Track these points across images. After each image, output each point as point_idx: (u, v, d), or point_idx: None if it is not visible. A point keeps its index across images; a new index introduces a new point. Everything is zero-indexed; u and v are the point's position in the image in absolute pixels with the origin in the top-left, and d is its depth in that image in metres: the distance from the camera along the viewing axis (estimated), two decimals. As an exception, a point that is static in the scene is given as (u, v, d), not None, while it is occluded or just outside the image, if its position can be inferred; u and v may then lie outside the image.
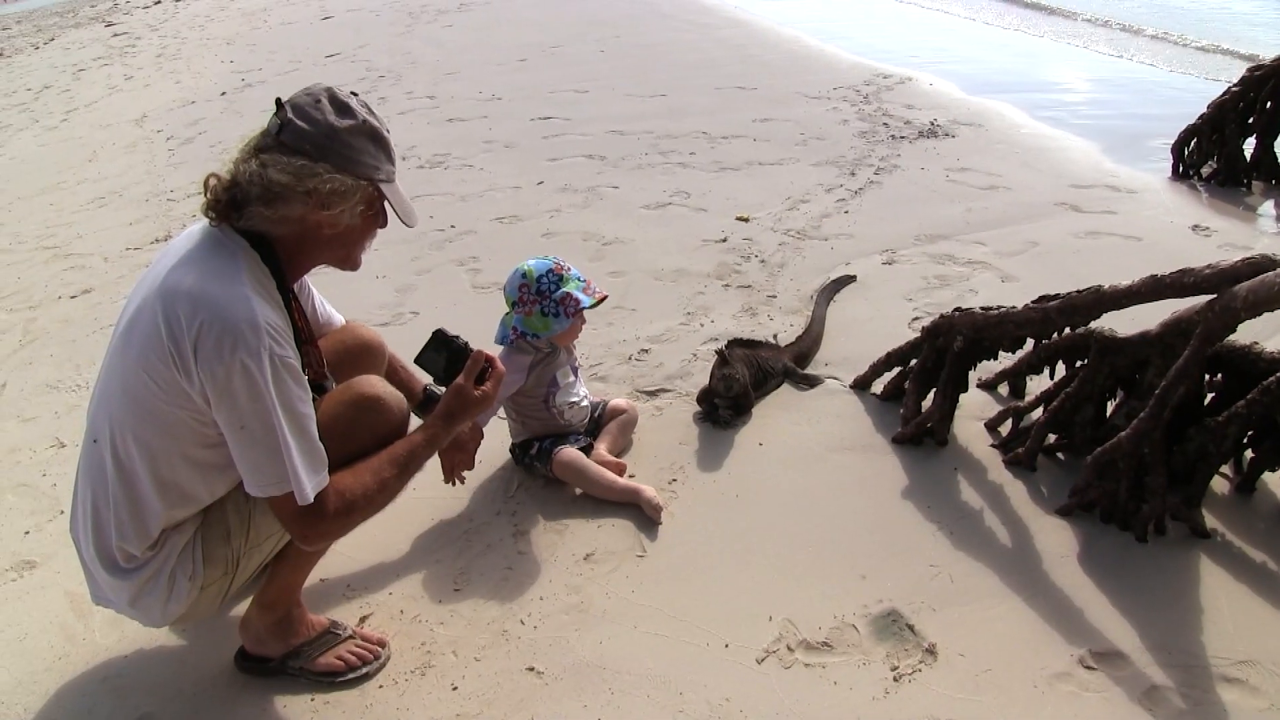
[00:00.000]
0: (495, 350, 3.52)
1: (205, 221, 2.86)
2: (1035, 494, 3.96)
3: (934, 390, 4.36)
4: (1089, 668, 3.10)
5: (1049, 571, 3.53)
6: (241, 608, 3.32)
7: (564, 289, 4.06)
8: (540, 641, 3.37)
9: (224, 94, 14.33)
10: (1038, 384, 4.47)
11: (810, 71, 12.23)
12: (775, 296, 5.93)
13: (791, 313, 5.68)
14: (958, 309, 4.43)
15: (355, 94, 2.90)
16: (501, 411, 4.39)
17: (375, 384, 3.10)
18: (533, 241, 7.11)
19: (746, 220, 7.24)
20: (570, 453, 4.12)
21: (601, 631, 3.39)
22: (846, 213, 7.28)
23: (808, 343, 5.16)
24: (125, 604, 2.92)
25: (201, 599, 2.97)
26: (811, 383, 4.89)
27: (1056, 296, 4.11)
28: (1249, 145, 7.63)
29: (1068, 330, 4.13)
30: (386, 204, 2.96)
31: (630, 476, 4.19)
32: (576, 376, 4.35)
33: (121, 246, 8.11)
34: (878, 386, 4.77)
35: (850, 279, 6.08)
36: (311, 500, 2.73)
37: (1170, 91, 11.04)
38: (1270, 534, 3.68)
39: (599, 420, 4.43)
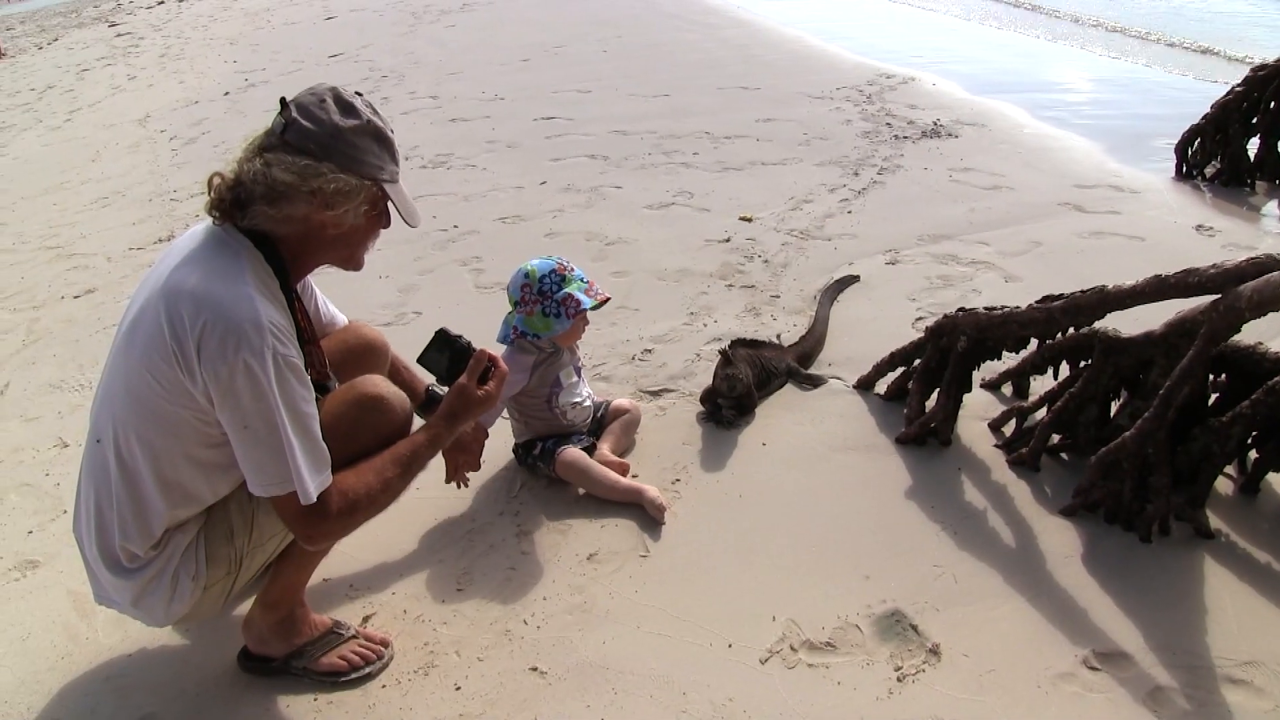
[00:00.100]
0: (498, 350, 3.52)
1: (209, 221, 2.86)
2: (1039, 494, 3.96)
3: (938, 390, 4.35)
4: (1093, 668, 3.09)
5: (1053, 572, 3.53)
6: (244, 607, 3.31)
7: (566, 290, 4.05)
8: (543, 641, 3.37)
9: (227, 94, 14.34)
10: (1042, 384, 4.46)
11: (813, 71, 12.23)
12: (778, 296, 5.93)
13: (795, 313, 5.68)
14: (961, 309, 4.43)
15: (360, 94, 2.90)
16: (504, 411, 4.38)
17: (378, 383, 3.10)
18: (536, 241, 7.11)
19: (750, 220, 7.23)
20: (573, 453, 4.11)
21: (605, 631, 3.39)
22: (850, 213, 7.27)
23: (811, 343, 5.15)
24: (128, 604, 2.92)
25: (204, 599, 2.97)
26: (815, 383, 4.88)
27: (1060, 296, 4.10)
28: (1253, 145, 7.61)
29: (1072, 330, 4.13)
30: (390, 204, 2.95)
31: (633, 477, 4.18)
32: (580, 377, 4.34)
33: (125, 246, 8.11)
34: (881, 387, 4.76)
35: (853, 279, 6.07)
36: (314, 500, 2.73)
37: (1173, 91, 11.03)
38: (1275, 534, 3.67)
39: (602, 420, 4.42)
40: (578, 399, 4.28)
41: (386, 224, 3.03)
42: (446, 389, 3.23)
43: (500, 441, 4.35)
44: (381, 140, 2.89)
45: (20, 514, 4.40)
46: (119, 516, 2.79)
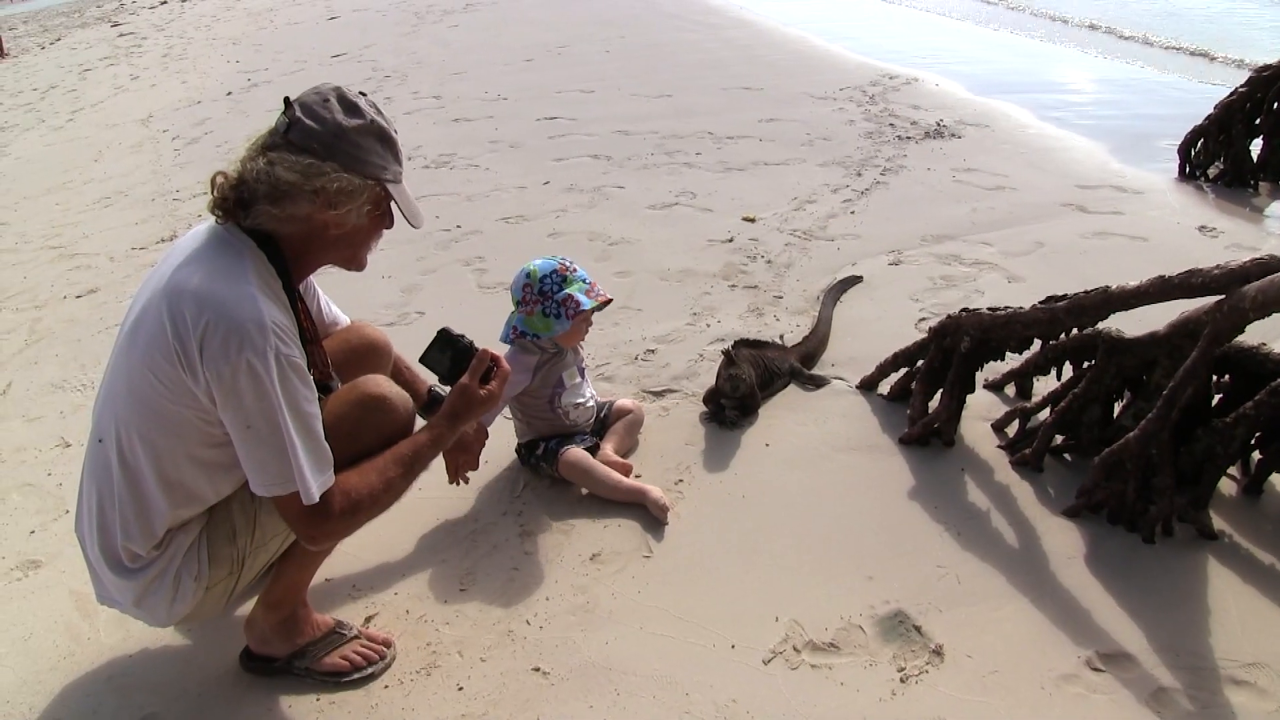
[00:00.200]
0: (501, 350, 3.52)
1: (211, 221, 2.86)
2: (1042, 495, 3.95)
3: (941, 391, 4.35)
4: (1096, 669, 3.09)
5: (1056, 572, 3.52)
6: (247, 607, 3.31)
7: (566, 290, 4.05)
8: (546, 642, 3.36)
9: (230, 94, 14.34)
10: (1045, 385, 4.46)
11: (816, 72, 12.23)
12: (781, 297, 5.92)
13: (798, 313, 5.67)
14: (964, 309, 4.43)
15: (364, 93, 2.89)
16: (507, 411, 4.38)
17: (381, 383, 3.10)
18: (539, 242, 7.11)
19: (753, 220, 7.23)
20: (576, 453, 4.11)
21: (608, 632, 3.39)
22: (853, 213, 7.27)
23: (814, 343, 5.15)
24: (130, 604, 2.92)
25: (207, 599, 2.97)
26: (818, 383, 4.88)
27: (1064, 297, 4.10)
28: (1256, 146, 7.61)
29: (1075, 331, 4.12)
30: (393, 204, 2.95)
31: (637, 477, 4.18)
32: (583, 377, 4.34)
33: (127, 246, 8.12)
34: (884, 387, 4.76)
35: (856, 279, 6.07)
36: (317, 500, 2.72)
37: (1176, 92, 11.03)
38: (1278, 535, 3.66)
39: (605, 420, 4.42)
40: (580, 399, 4.28)
41: (389, 224, 3.03)
42: (448, 389, 3.22)
43: (503, 442, 4.35)
44: (385, 140, 2.89)
45: (22, 514, 4.40)
46: (121, 516, 2.79)
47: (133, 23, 26.51)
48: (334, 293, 3.63)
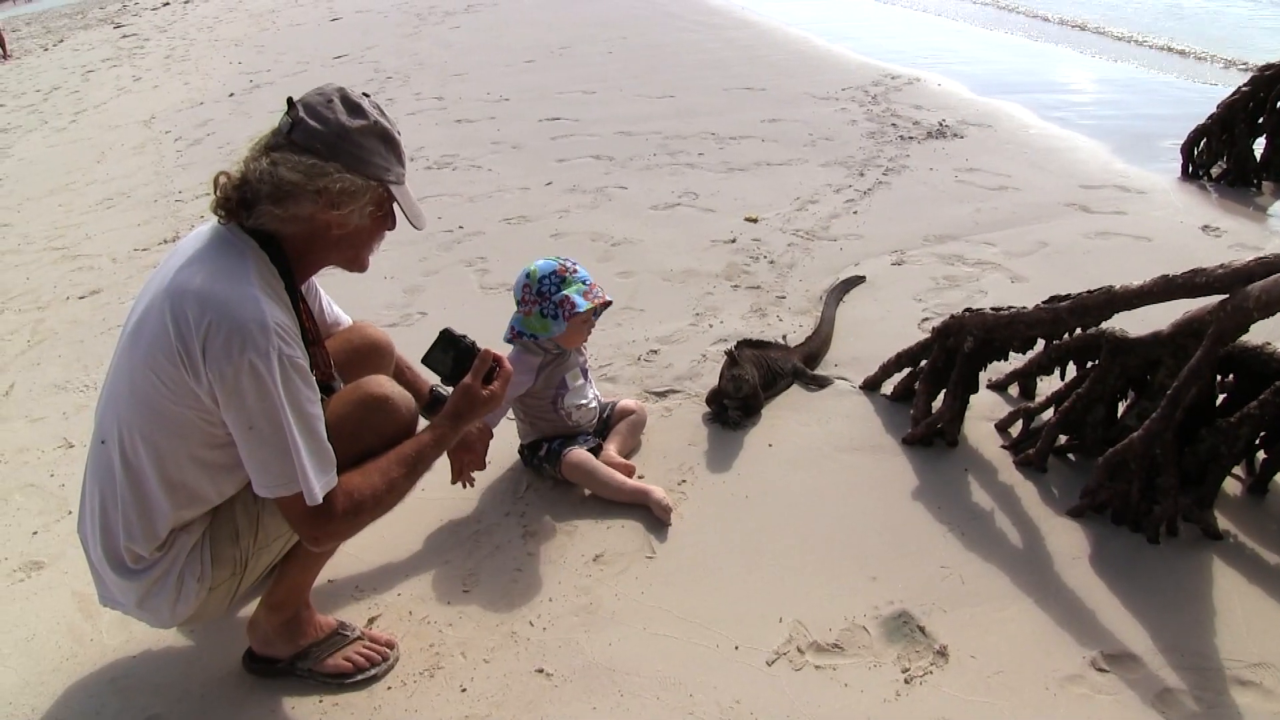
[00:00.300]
0: (505, 350, 3.51)
1: (213, 222, 2.86)
2: (1046, 495, 3.94)
3: (944, 391, 4.34)
4: (1101, 670, 3.08)
5: (1060, 573, 3.51)
6: (250, 609, 3.31)
7: (564, 292, 4.04)
8: (549, 643, 3.36)
9: (232, 95, 14.36)
10: (1049, 385, 4.45)
11: (818, 72, 12.23)
12: (784, 297, 5.92)
13: (800, 313, 5.67)
14: (968, 309, 4.42)
15: (367, 94, 2.89)
16: (510, 412, 4.38)
17: (383, 384, 3.09)
18: (541, 242, 7.11)
19: (755, 221, 7.22)
20: (579, 454, 4.10)
21: (611, 633, 3.38)
22: (855, 213, 7.26)
23: (817, 343, 5.14)
24: (133, 605, 2.92)
25: (210, 600, 2.96)
26: (821, 383, 4.87)
27: (1067, 297, 4.09)
28: (1259, 145, 7.59)
29: (1079, 331, 4.12)
30: (395, 205, 2.95)
31: (639, 478, 4.17)
32: (586, 378, 4.33)
33: (130, 247, 8.12)
34: (887, 387, 4.75)
35: (859, 279, 6.06)
36: (320, 501, 2.72)
37: (1179, 91, 11.02)
38: (1283, 535, 3.66)
39: (608, 421, 4.41)
40: (583, 400, 4.28)
41: (392, 226, 3.03)
42: (451, 389, 3.22)
43: (506, 442, 4.35)
44: (388, 141, 2.89)
45: (25, 515, 4.40)
46: (124, 517, 2.78)
47: (135, 24, 26.57)
48: (336, 293, 3.62)
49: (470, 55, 15.42)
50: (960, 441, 4.30)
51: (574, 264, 4.13)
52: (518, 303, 4.13)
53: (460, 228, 7.63)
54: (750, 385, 4.51)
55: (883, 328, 5.39)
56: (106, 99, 15.84)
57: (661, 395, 4.90)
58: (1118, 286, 3.91)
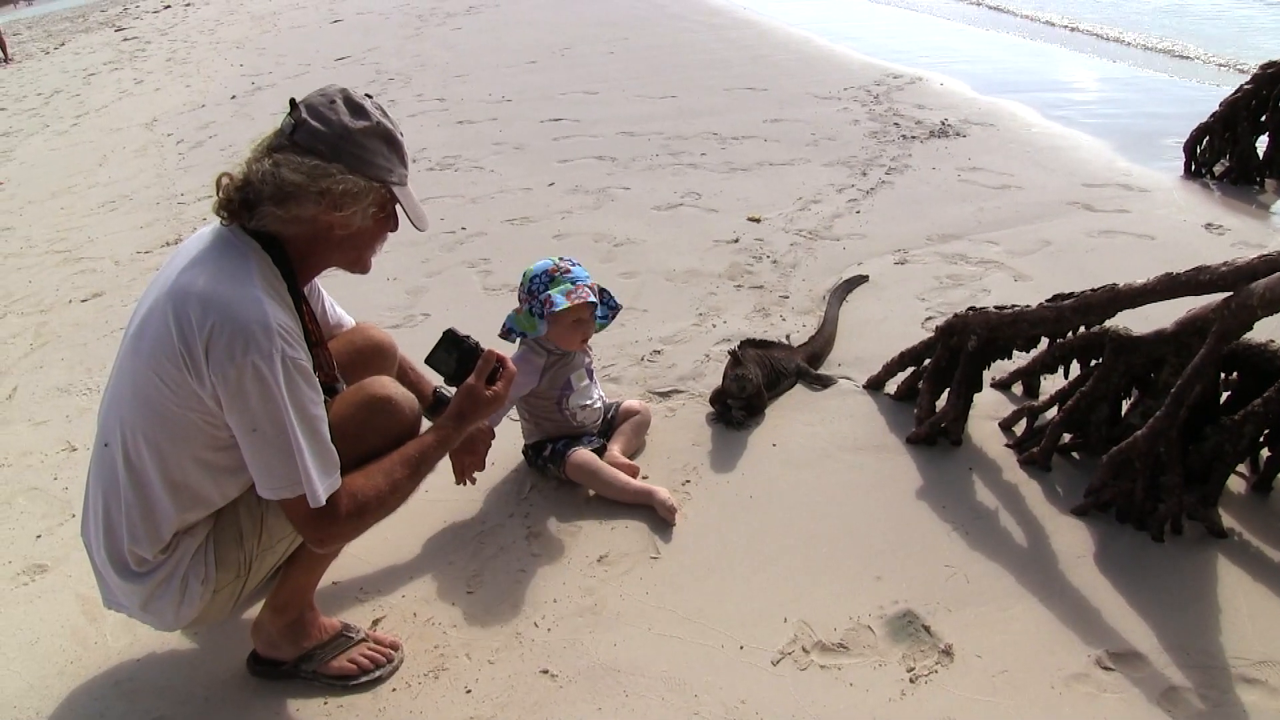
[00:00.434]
0: (507, 351, 3.50)
1: (216, 224, 2.86)
2: (1050, 494, 3.94)
3: (948, 390, 4.34)
4: (1106, 668, 3.07)
5: (1065, 571, 3.51)
6: (254, 611, 3.31)
7: (549, 291, 4.03)
8: (554, 644, 3.35)
9: (234, 97, 14.37)
10: (1052, 383, 4.44)
11: (821, 72, 12.23)
12: (787, 297, 5.91)
13: (804, 313, 5.66)
14: (971, 308, 4.41)
15: (369, 96, 2.89)
16: (514, 413, 4.38)
17: (386, 385, 3.09)
18: (544, 243, 7.10)
19: (758, 221, 7.22)
20: (583, 455, 4.10)
21: (616, 634, 3.38)
22: (858, 213, 7.26)
23: (820, 343, 5.14)
24: (137, 608, 2.91)
25: (214, 602, 2.96)
26: (825, 383, 4.87)
27: (1070, 295, 4.09)
28: (1261, 143, 7.58)
29: (1082, 329, 4.11)
30: (398, 207, 2.94)
31: (643, 478, 4.17)
32: (591, 379, 4.33)
33: (132, 250, 8.13)
34: (891, 386, 4.75)
35: (862, 279, 6.06)
36: (324, 502, 2.72)
37: (1182, 90, 11.02)
38: (1288, 533, 3.66)
39: (612, 421, 4.41)
40: (588, 401, 4.27)
41: (394, 227, 3.02)
42: (454, 390, 3.22)
43: (509, 443, 4.35)
44: (391, 142, 2.89)
45: (28, 518, 4.40)
46: (127, 520, 2.78)
47: (136, 27, 26.59)
48: (339, 295, 3.62)
49: (472, 56, 15.43)
50: (964, 440, 4.29)
51: (571, 264, 4.11)
52: (519, 301, 4.14)
53: (463, 229, 7.64)
54: (754, 385, 4.50)
55: (886, 327, 5.39)
56: (108, 102, 15.86)
57: (665, 395, 4.90)
58: (1121, 285, 3.91)
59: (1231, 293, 3.55)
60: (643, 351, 5.35)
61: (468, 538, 3.95)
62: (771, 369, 4.70)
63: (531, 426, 4.30)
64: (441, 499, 4.04)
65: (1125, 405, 4.09)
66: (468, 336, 3.26)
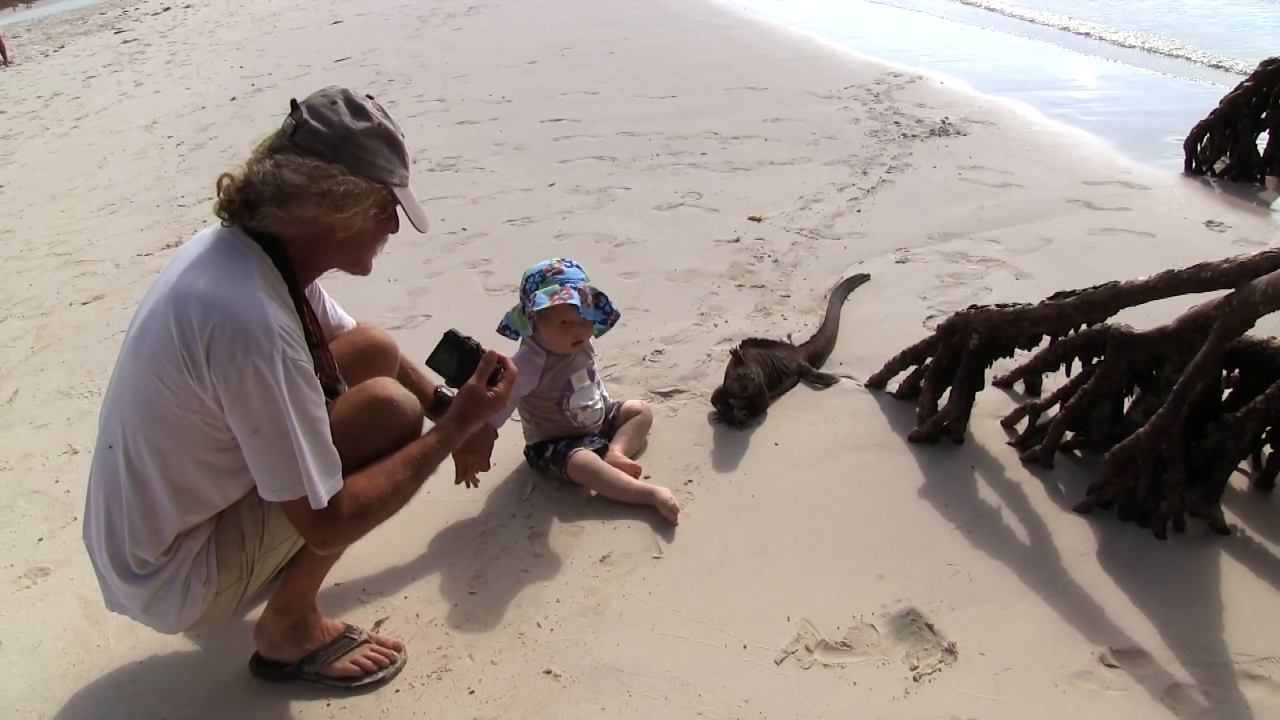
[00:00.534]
0: (509, 351, 3.50)
1: (217, 225, 2.85)
2: (1053, 491, 3.94)
3: (950, 388, 4.34)
4: (1110, 666, 3.07)
5: (1068, 569, 3.51)
6: (256, 613, 3.30)
7: (537, 290, 4.04)
8: (557, 644, 3.35)
9: (234, 99, 14.37)
10: (1054, 381, 4.44)
11: (821, 71, 12.23)
12: (789, 296, 5.91)
13: (805, 312, 5.66)
14: (972, 307, 4.41)
15: (370, 96, 2.89)
16: (515, 413, 4.37)
17: (388, 386, 3.09)
18: (545, 243, 7.10)
19: (759, 220, 7.22)
20: (585, 455, 4.10)
21: (619, 634, 3.38)
22: (859, 212, 7.26)
23: (822, 342, 5.14)
24: (139, 610, 2.91)
25: (216, 604, 2.96)
26: (826, 382, 4.86)
27: (1072, 293, 4.08)
28: (1262, 140, 7.59)
29: (1084, 327, 4.11)
30: (399, 208, 2.94)
31: (645, 478, 4.17)
32: (593, 380, 4.32)
33: (133, 252, 8.13)
34: (893, 385, 4.75)
35: (864, 278, 6.06)
36: (325, 504, 2.72)
37: (1182, 87, 11.02)
38: (1291, 530, 3.65)
39: (613, 421, 4.41)
40: (589, 402, 4.26)
41: (395, 228, 3.02)
42: (455, 391, 3.22)
43: (511, 444, 4.35)
44: (392, 143, 2.89)
45: (30, 521, 4.40)
46: (129, 522, 2.78)
47: (136, 29, 26.59)
48: (340, 296, 3.62)
49: (472, 57, 15.43)
50: (966, 439, 4.29)
51: (568, 265, 4.10)
52: (521, 299, 4.15)
53: (464, 229, 7.64)
54: (756, 384, 4.50)
55: (887, 326, 5.39)
56: (108, 104, 15.86)
57: (667, 395, 4.89)
58: (1122, 282, 3.90)
59: (1233, 290, 3.55)
60: (644, 351, 5.35)
61: (470, 538, 3.94)
62: (773, 368, 4.70)
63: (533, 427, 4.29)
64: (443, 500, 4.04)
65: (1127, 403, 4.09)
66: (469, 337, 3.25)
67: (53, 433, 5.22)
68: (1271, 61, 7.44)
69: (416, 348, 3.62)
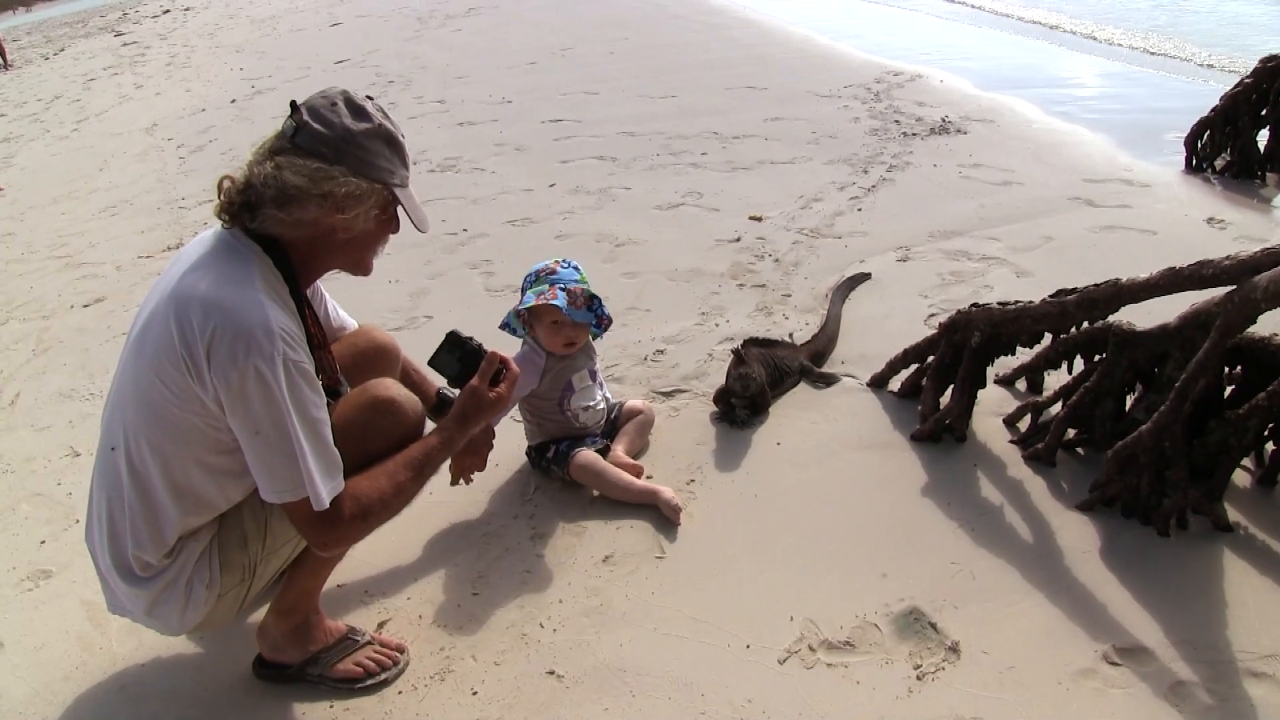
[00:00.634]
0: (510, 351, 3.50)
1: (217, 227, 2.85)
2: (1055, 489, 3.93)
3: (952, 387, 4.33)
4: (1113, 664, 3.07)
5: (1071, 567, 3.50)
6: (259, 615, 3.30)
7: (530, 290, 4.05)
8: (560, 645, 3.35)
9: (234, 101, 14.38)
10: (1056, 379, 4.43)
11: (821, 70, 12.22)
12: (790, 295, 5.91)
13: (806, 311, 5.66)
14: (974, 305, 4.41)
15: (371, 97, 2.89)
16: (516, 414, 4.37)
17: (390, 387, 3.09)
18: (546, 244, 7.10)
19: (760, 220, 7.22)
20: (587, 455, 4.10)
21: (622, 634, 3.37)
22: (860, 210, 7.25)
23: (823, 341, 5.14)
24: (142, 613, 2.91)
25: (219, 606, 2.96)
26: (828, 381, 4.86)
27: (1073, 291, 4.08)
28: (1262, 137, 7.57)
29: (1085, 324, 4.10)
30: (400, 209, 2.94)
31: (648, 478, 4.17)
32: (594, 380, 4.31)
33: (133, 255, 8.13)
34: (895, 384, 4.74)
35: (865, 277, 6.06)
36: (327, 506, 2.71)
37: (1183, 84, 11.01)
38: (1294, 527, 3.65)
39: (615, 422, 4.41)
40: (590, 402, 4.26)
41: (396, 229, 3.02)
42: (457, 391, 3.22)
43: (513, 444, 4.35)
44: (393, 144, 2.89)
45: (33, 524, 4.40)
46: (131, 524, 2.78)
47: (136, 32, 26.61)
48: (341, 297, 3.62)
49: (472, 58, 15.43)
50: (968, 437, 4.29)
51: (564, 266, 4.10)
52: (524, 297, 4.16)
53: (465, 230, 7.63)
54: (757, 384, 4.50)
55: (889, 324, 5.38)
56: (108, 107, 15.87)
57: (669, 395, 4.89)
58: (1124, 279, 3.90)
59: (1235, 287, 3.54)
60: (646, 351, 5.35)
61: (472, 539, 3.94)
62: (775, 368, 4.70)
63: (534, 428, 4.29)
64: (446, 500, 4.04)
65: (1129, 400, 4.08)
66: (470, 338, 3.25)
67: (54, 435, 5.22)
68: (1272, 58, 7.43)
69: (418, 349, 3.62)
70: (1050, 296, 4.16)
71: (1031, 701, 2.96)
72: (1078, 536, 3.65)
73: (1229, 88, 7.71)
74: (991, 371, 4.44)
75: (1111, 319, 4.02)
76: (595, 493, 4.13)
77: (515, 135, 10.45)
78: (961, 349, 4.34)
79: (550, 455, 4.19)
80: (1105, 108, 10.10)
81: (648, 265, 6.56)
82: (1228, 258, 3.59)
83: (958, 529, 3.75)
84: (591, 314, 4.11)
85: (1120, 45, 13.59)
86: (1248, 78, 7.53)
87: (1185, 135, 7.90)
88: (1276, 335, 3.81)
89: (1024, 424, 4.33)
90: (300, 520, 2.76)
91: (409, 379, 3.62)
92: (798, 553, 3.70)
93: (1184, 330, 3.78)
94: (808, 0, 20.41)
